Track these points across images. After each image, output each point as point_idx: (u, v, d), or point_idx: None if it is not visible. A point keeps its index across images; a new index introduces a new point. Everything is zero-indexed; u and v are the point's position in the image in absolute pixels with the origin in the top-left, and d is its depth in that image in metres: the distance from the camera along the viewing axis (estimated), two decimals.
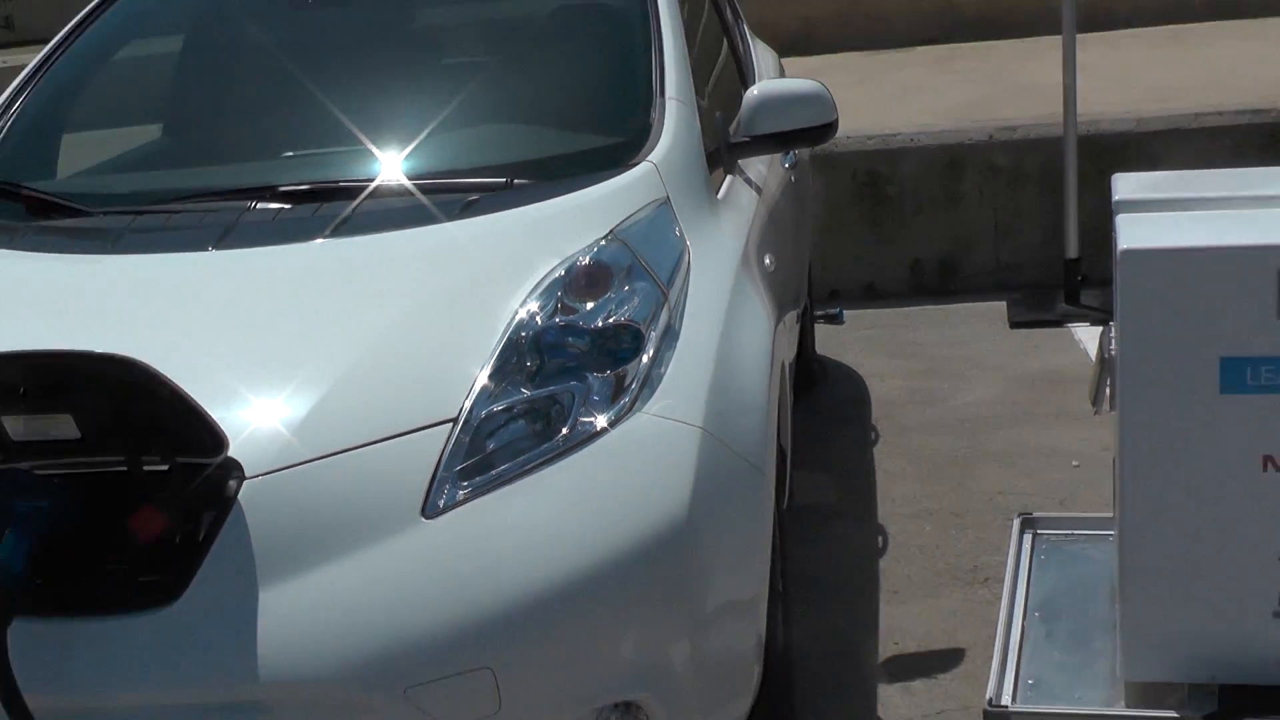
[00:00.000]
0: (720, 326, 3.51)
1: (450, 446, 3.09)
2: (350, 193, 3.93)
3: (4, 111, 4.54)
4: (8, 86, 4.66)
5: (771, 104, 4.40)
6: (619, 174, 3.88)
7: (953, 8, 12.29)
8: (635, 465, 3.15)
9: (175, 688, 2.89)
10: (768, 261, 4.21)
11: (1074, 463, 5.71)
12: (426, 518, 3.01)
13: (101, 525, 2.96)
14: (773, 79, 4.89)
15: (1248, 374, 3.40)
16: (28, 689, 2.80)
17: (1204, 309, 3.41)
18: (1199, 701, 3.59)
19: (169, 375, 2.89)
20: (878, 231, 8.28)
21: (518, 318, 3.35)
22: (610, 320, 3.38)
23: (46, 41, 4.86)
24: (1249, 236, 3.44)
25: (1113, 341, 3.58)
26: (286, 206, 3.94)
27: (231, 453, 2.99)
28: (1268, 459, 3.43)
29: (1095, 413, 4.10)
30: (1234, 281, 3.39)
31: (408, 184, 3.95)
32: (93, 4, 4.94)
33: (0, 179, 4.32)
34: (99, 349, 2.92)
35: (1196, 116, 8.17)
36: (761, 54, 6.33)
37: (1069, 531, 4.63)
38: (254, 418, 3.12)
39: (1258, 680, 3.57)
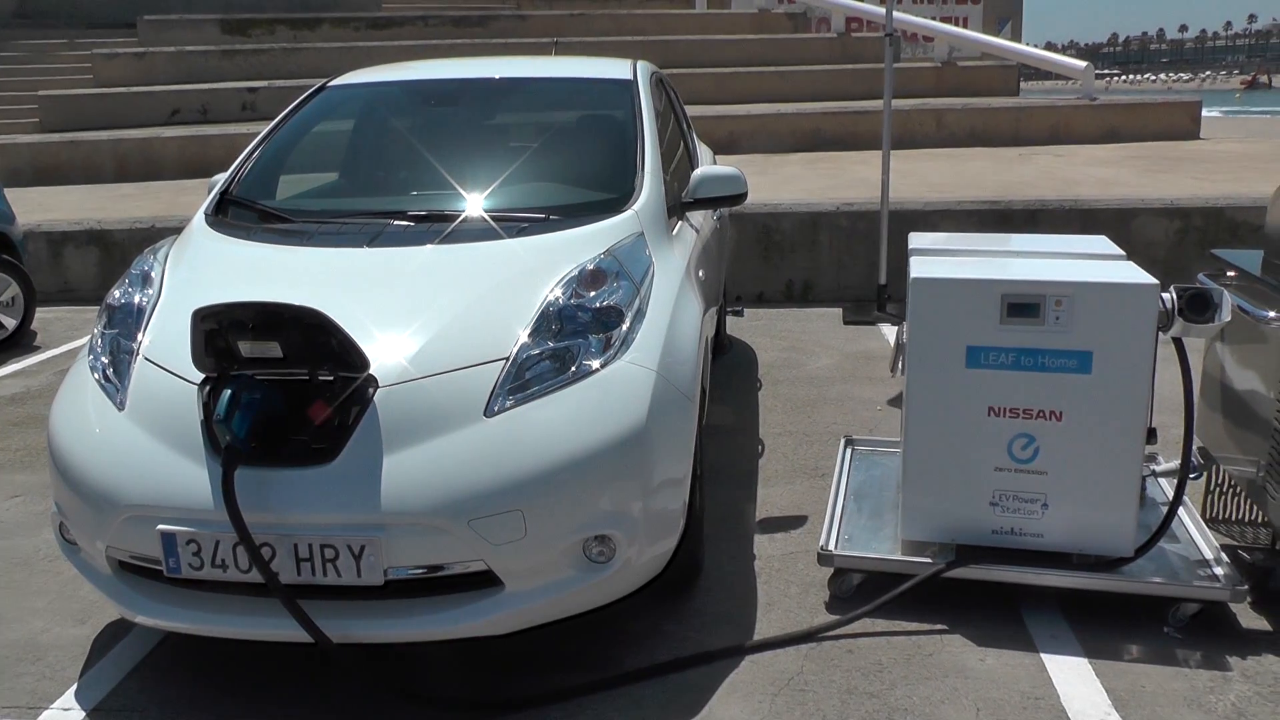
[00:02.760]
0: (670, 312, 3.52)
1: (503, 375, 3.13)
2: (451, 219, 3.93)
3: (246, 159, 4.55)
4: (249, 145, 4.68)
5: (708, 180, 4.41)
6: (614, 216, 3.89)
7: (819, 130, 12.40)
8: (615, 392, 3.17)
9: (331, 513, 2.92)
10: (700, 275, 4.22)
11: (878, 407, 5.73)
12: (486, 417, 3.04)
13: (291, 412, 2.99)
14: (710, 165, 4.90)
15: (982, 357, 3.46)
16: (244, 511, 2.87)
17: (958, 316, 3.46)
18: (945, 554, 3.66)
19: (337, 321, 2.96)
20: (767, 262, 8.28)
21: (548, 299, 3.37)
22: (604, 303, 3.39)
23: (272, 119, 4.88)
24: (985, 273, 3.50)
25: (904, 333, 3.63)
26: (412, 224, 3.94)
27: (371, 371, 3.05)
28: (990, 408, 3.50)
29: (892, 376, 4.15)
30: (976, 300, 3.44)
31: (486, 215, 3.96)
32: (299, 100, 4.95)
33: (243, 198, 4.34)
34: (297, 303, 2.98)
35: (959, 202, 8.21)
36: (703, 149, 6.34)
37: (873, 448, 4.69)
38: (386, 350, 3.14)
39: (979, 543, 3.64)
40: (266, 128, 4.80)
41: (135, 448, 3.11)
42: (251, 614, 3.03)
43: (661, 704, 3.16)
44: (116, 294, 3.71)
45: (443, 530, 2.92)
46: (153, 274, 3.77)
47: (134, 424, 3.16)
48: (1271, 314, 3.39)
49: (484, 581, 3.02)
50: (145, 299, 3.62)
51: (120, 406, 3.23)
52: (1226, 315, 3.39)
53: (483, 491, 2.93)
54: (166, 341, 3.35)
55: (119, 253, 8.65)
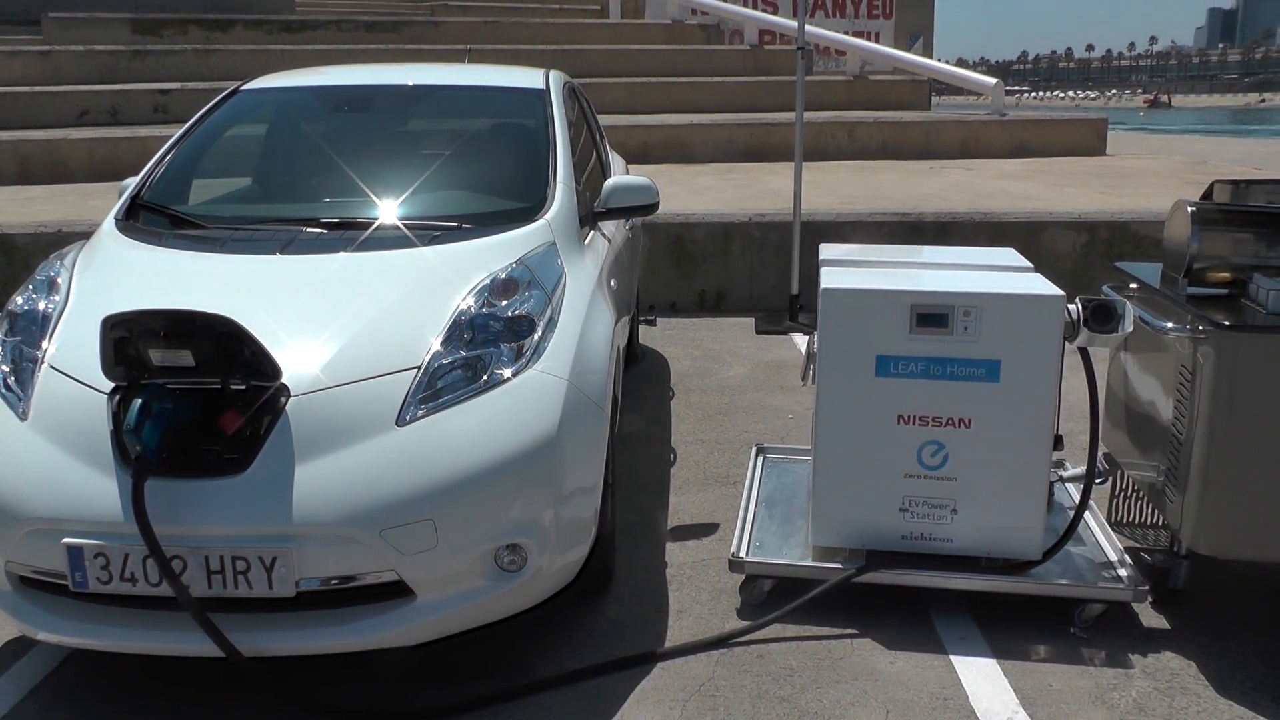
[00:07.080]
0: (581, 321, 3.54)
1: (415, 384, 3.13)
2: (364, 226, 3.92)
3: (158, 163, 4.49)
4: (161, 149, 4.62)
5: (620, 190, 4.46)
6: (526, 225, 3.90)
7: (732, 141, 12.46)
8: (526, 401, 3.18)
9: (242, 524, 2.89)
10: (612, 284, 4.25)
11: (789, 415, 5.80)
12: (398, 426, 3.03)
13: (202, 422, 2.95)
14: (622, 175, 4.93)
15: (891, 366, 3.51)
16: (154, 523, 2.83)
17: (868, 326, 3.51)
18: (855, 559, 3.71)
19: (249, 329, 2.93)
20: (680, 271, 8.31)
21: (460, 308, 3.38)
22: (516, 312, 3.39)
23: (185, 121, 4.81)
24: (895, 284, 3.56)
25: (815, 343, 3.67)
26: (325, 231, 3.92)
27: (284, 380, 3.02)
28: (900, 416, 3.55)
29: (803, 386, 4.19)
30: (885, 310, 3.49)
31: (399, 223, 3.95)
32: (212, 103, 4.89)
33: (155, 203, 4.28)
34: (209, 311, 2.93)
35: (871, 214, 8.31)
36: (616, 159, 6.36)
37: (784, 456, 4.74)
38: (298, 359, 3.12)
39: (889, 548, 3.69)
40: (179, 131, 4.73)
41: (39, 459, 3.04)
42: (161, 629, 2.98)
43: (573, 712, 3.16)
44: (19, 300, 3.63)
45: (354, 540, 2.90)
46: (59, 280, 3.70)
47: (38, 434, 3.09)
48: (1169, 324, 3.49)
49: (396, 592, 3.01)
50: (51, 306, 3.55)
51: (22, 416, 3.15)
52: (1129, 325, 3.48)
53: (394, 501, 2.92)
54: (74, 350, 3.28)
55: (22, 258, 8.41)
